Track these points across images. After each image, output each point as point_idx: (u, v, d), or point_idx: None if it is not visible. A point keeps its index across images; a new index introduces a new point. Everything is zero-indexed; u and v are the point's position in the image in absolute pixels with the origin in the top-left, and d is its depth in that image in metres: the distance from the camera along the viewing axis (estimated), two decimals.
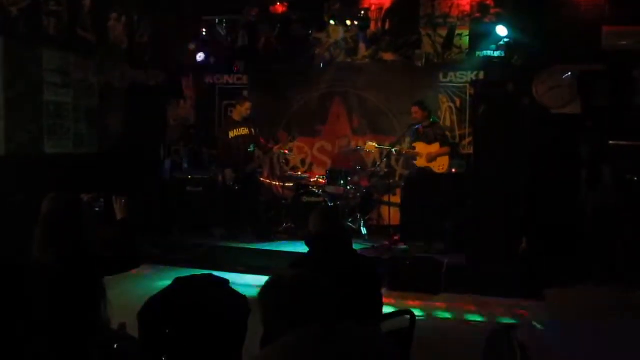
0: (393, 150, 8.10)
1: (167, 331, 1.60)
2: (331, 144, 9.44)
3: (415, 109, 7.86)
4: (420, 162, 7.79)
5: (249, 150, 8.08)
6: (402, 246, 7.64)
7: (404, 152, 8.03)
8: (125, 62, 8.68)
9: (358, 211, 8.37)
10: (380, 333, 2.65)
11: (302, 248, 3.66)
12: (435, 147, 7.74)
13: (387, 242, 7.70)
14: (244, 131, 8.07)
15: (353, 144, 8.96)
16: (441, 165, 7.71)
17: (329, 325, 1.84)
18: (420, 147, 7.79)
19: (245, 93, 9.54)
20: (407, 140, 8.15)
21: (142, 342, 1.64)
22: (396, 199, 8.51)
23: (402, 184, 8.42)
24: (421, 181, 7.79)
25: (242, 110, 8.15)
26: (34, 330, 2.60)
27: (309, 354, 1.74)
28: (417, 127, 7.89)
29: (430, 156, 7.71)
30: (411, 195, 7.97)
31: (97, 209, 3.27)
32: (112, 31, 8.48)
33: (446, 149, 7.77)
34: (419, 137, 7.85)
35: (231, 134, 8.07)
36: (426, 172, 7.74)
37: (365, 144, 8.44)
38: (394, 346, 2.83)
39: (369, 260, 3.57)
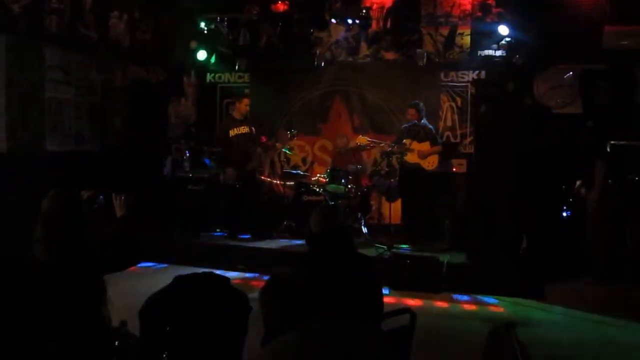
0: (383, 144, 8.09)
1: (168, 329, 1.60)
2: (332, 143, 9.44)
3: (411, 111, 7.91)
4: (412, 158, 7.82)
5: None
6: (403, 245, 7.63)
7: (395, 148, 7.96)
8: (126, 59, 8.68)
9: (359, 210, 8.36)
10: (380, 331, 2.66)
11: (302, 246, 3.67)
12: (426, 146, 7.78)
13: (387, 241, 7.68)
14: (244, 129, 8.08)
15: (352, 143, 8.92)
16: (431, 162, 7.77)
17: (329, 323, 1.85)
18: (413, 145, 7.82)
19: (247, 91, 9.55)
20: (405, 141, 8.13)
21: (143, 339, 1.64)
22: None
23: (397, 179, 8.39)
24: (415, 177, 7.82)
25: (242, 107, 8.19)
26: (35, 328, 2.61)
27: (310, 352, 1.75)
28: (407, 125, 7.93)
29: (422, 154, 7.75)
30: (410, 191, 7.97)
31: (96, 206, 3.26)
32: (113, 29, 8.47)
33: (437, 148, 7.85)
34: (410, 134, 7.87)
35: (231, 133, 8.07)
36: (418, 169, 7.79)
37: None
38: (394, 344, 2.84)
39: (370, 259, 3.57)
